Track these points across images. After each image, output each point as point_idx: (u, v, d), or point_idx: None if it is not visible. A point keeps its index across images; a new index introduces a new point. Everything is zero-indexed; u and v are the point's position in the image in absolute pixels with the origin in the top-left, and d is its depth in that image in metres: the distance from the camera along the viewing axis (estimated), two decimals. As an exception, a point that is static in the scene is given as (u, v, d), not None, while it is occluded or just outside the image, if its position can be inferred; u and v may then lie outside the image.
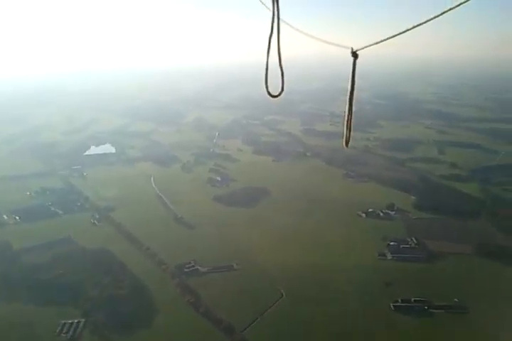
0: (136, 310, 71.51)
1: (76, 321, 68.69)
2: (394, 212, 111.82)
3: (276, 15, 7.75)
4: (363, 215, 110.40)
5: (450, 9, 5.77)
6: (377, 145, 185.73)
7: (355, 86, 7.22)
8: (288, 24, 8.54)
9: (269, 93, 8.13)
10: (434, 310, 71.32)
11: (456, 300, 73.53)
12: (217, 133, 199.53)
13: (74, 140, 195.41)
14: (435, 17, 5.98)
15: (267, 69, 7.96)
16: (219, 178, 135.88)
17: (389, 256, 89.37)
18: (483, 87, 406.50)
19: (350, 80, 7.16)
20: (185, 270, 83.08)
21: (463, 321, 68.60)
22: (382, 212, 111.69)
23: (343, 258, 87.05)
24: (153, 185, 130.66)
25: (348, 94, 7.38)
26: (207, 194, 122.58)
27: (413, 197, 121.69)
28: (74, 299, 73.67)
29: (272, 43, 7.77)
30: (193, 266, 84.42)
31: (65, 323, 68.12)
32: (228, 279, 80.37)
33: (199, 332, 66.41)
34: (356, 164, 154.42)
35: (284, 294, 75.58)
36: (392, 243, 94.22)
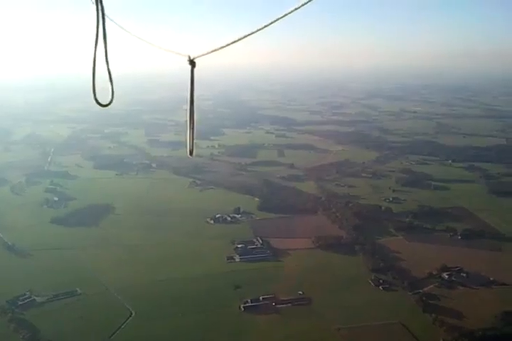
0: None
1: None
2: (240, 215, 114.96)
3: (100, 13, 6.57)
4: (211, 222, 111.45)
5: (285, 15, 5.43)
6: (222, 152, 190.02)
7: (197, 94, 6.91)
8: (117, 24, 7.52)
9: (97, 101, 6.90)
10: (280, 305, 74.50)
11: (300, 292, 77.81)
12: (52, 150, 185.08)
13: None
14: (266, 26, 5.65)
15: (93, 74, 6.75)
16: (56, 198, 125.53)
17: (237, 259, 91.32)
18: (314, 92, 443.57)
19: (189, 89, 6.80)
20: (20, 303, 74.66)
21: (306, 311, 72.78)
22: (229, 216, 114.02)
23: (193, 268, 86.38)
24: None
25: (188, 103, 6.98)
26: (43, 216, 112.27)
27: (257, 200, 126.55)
28: None
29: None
30: (29, 298, 76.21)
31: None
32: (71, 306, 74.31)
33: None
34: (203, 172, 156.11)
35: (133, 313, 72.29)
36: (239, 245, 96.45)
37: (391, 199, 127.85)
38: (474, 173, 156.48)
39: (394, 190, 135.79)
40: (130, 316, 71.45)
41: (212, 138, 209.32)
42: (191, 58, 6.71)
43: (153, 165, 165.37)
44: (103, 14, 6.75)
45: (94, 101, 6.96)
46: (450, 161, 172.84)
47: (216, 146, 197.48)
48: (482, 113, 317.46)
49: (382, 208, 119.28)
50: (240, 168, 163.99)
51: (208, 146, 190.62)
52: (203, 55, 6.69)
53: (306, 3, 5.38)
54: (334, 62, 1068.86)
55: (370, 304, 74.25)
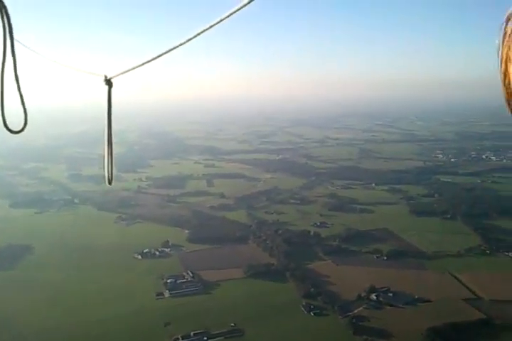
0: None
1: None
2: (169, 249, 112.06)
3: (8, 33, 5.64)
4: (139, 257, 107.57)
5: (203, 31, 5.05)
6: (149, 184, 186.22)
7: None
8: (24, 45, 6.63)
9: (7, 128, 5.92)
10: (212, 340, 72.35)
11: (232, 324, 76.09)
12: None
13: None
14: (184, 43, 5.25)
15: (2, 97, 5.78)
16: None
17: (167, 295, 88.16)
18: (241, 122, 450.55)
19: (106, 111, 6.16)
20: None
21: (239, 344, 71.21)
22: (158, 250, 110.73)
23: (119, 307, 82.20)
24: None
25: (106, 126, 6.29)
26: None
27: (187, 231, 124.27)
28: None
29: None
30: None
31: None
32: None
33: None
34: (129, 206, 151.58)
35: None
36: (169, 280, 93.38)
37: (319, 224, 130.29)
38: (396, 195, 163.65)
39: (321, 215, 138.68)
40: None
41: (138, 170, 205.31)
42: (108, 78, 6.29)
43: (76, 200, 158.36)
44: (11, 31, 6.19)
45: (9, 135, 6.14)
46: (373, 185, 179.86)
47: (143, 179, 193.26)
48: (400, 138, 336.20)
49: (311, 233, 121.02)
50: (168, 199, 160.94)
51: (135, 179, 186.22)
52: (121, 73, 6.30)
53: (222, 21, 5.22)
54: (260, 93, 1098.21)
55: (303, 330, 73.97)
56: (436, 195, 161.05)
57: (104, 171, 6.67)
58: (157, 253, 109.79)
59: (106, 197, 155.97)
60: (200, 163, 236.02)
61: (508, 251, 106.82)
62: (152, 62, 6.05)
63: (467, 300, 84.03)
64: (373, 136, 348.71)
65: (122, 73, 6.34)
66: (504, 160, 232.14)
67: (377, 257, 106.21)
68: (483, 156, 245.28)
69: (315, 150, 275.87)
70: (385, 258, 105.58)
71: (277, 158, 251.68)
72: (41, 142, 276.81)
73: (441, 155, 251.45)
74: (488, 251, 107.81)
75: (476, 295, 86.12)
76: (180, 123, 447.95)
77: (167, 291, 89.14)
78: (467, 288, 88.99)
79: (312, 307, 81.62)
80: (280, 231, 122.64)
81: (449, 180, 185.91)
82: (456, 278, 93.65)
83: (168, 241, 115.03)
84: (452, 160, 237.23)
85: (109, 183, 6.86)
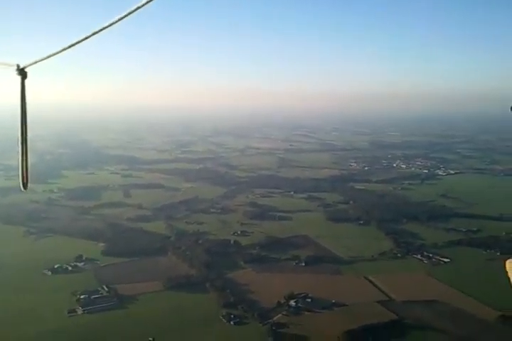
0: None
1: None
2: (83, 263, 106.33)
3: None
4: (49, 273, 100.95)
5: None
6: (61, 196, 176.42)
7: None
8: None
9: None
10: (129, 357, 69.30)
11: (150, 339, 73.28)
12: None
13: None
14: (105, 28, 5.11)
15: None
16: None
17: (80, 311, 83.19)
18: (160, 131, 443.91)
19: (19, 106, 5.44)
20: None
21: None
22: (70, 265, 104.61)
23: (26, 328, 76.12)
24: None
25: (20, 124, 5.57)
26: None
27: (102, 245, 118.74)
28: None
29: None
30: None
31: None
32: None
33: None
34: (39, 219, 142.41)
35: None
36: (82, 296, 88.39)
37: (239, 232, 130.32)
38: (313, 203, 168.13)
39: (242, 224, 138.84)
40: None
41: (50, 181, 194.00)
42: (21, 67, 5.49)
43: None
44: None
45: None
46: (292, 193, 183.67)
47: (55, 190, 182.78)
48: (318, 147, 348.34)
49: (231, 242, 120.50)
50: (82, 211, 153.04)
51: (45, 190, 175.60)
52: (36, 62, 5.44)
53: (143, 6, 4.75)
54: (180, 101, 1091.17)
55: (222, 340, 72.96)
56: (351, 202, 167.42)
57: (18, 174, 5.74)
58: (69, 268, 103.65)
59: (12, 210, 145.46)
60: (117, 173, 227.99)
61: (416, 254, 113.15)
62: (68, 50, 5.41)
63: (381, 302, 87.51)
64: (291, 145, 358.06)
65: (38, 61, 5.56)
66: (413, 168, 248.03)
67: (295, 263, 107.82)
68: (394, 165, 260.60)
69: (236, 160, 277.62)
70: (304, 264, 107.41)
71: (198, 167, 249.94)
72: None
73: (355, 164, 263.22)
74: (399, 255, 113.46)
75: (388, 297, 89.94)
76: (99, 131, 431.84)
77: (80, 308, 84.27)
78: (380, 290, 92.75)
79: (232, 316, 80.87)
80: (200, 242, 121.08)
81: (363, 188, 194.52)
82: (370, 281, 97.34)
83: (81, 256, 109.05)
84: (366, 168, 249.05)
85: (25, 187, 5.93)
